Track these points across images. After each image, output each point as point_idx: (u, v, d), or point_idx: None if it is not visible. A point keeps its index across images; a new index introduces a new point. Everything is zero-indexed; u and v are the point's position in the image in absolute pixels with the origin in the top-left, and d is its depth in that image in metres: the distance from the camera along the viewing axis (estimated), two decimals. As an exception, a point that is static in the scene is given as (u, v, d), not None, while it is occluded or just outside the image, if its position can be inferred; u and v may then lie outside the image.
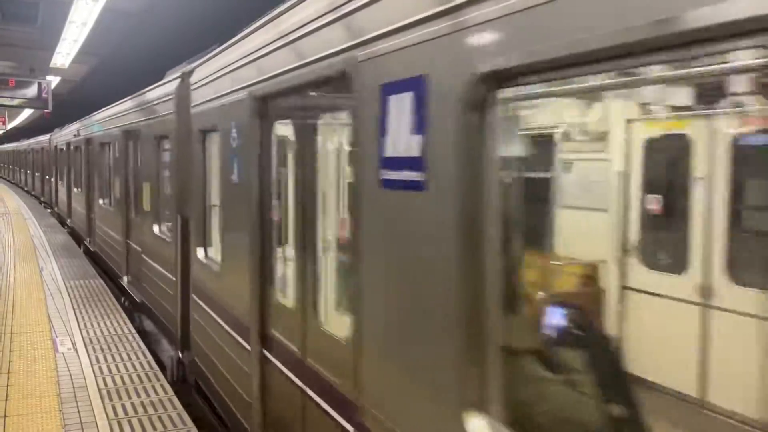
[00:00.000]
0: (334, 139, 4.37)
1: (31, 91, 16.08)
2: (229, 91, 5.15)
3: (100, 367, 6.76)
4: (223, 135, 5.30)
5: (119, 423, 5.40)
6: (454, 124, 2.27)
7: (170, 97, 7.46)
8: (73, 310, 9.14)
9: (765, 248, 5.04)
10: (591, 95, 5.54)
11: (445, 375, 2.39)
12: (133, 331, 8.26)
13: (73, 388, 6.12)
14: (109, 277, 12.46)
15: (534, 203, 6.03)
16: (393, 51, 2.69)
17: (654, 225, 5.85)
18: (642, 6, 1.60)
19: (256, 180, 4.53)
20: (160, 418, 5.55)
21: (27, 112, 30.53)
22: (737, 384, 4.81)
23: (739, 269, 5.16)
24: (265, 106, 4.46)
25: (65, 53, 15.57)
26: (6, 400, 5.74)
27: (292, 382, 4.05)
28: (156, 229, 8.46)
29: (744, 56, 3.01)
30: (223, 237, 5.65)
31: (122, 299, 10.65)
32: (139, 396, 6.02)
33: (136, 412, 5.65)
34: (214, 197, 5.96)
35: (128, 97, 10.47)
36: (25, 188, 37.58)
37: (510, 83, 2.12)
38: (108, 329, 8.26)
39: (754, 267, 5.05)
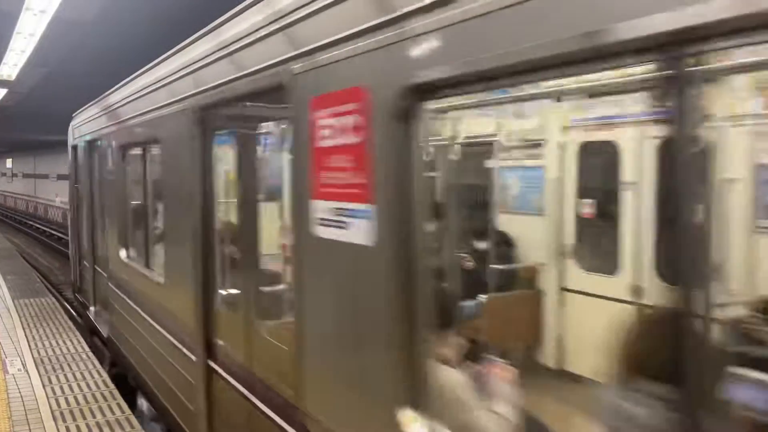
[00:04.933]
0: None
1: (-23, 103, 15.60)
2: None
3: (52, 388, 6.53)
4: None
5: (74, 445, 5.22)
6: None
7: None
8: (23, 329, 8.82)
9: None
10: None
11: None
12: (87, 349, 8.01)
13: (25, 410, 5.89)
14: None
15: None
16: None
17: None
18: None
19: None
20: (117, 438, 5.38)
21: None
22: None
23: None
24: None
25: (12, 64, 15.14)
26: (-48, 425, 5.50)
27: None
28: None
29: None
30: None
31: None
32: (94, 416, 5.83)
33: (91, 433, 5.47)
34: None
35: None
36: None
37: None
38: (60, 348, 8.00)
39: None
